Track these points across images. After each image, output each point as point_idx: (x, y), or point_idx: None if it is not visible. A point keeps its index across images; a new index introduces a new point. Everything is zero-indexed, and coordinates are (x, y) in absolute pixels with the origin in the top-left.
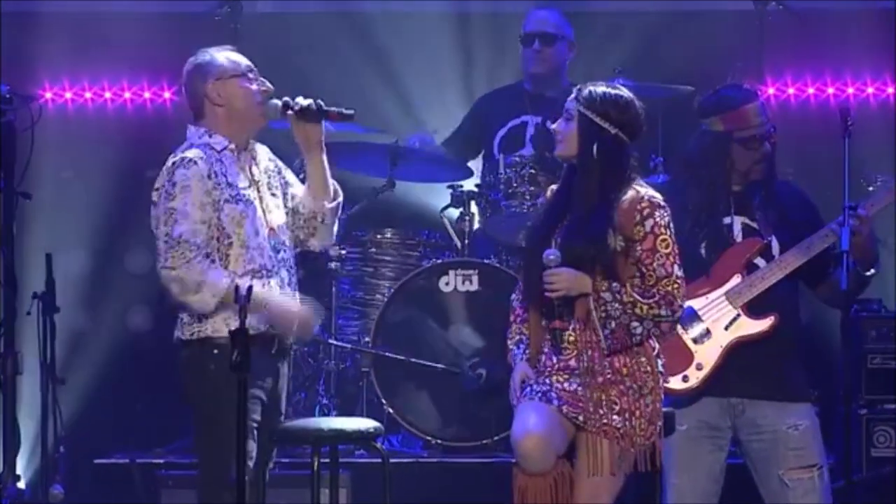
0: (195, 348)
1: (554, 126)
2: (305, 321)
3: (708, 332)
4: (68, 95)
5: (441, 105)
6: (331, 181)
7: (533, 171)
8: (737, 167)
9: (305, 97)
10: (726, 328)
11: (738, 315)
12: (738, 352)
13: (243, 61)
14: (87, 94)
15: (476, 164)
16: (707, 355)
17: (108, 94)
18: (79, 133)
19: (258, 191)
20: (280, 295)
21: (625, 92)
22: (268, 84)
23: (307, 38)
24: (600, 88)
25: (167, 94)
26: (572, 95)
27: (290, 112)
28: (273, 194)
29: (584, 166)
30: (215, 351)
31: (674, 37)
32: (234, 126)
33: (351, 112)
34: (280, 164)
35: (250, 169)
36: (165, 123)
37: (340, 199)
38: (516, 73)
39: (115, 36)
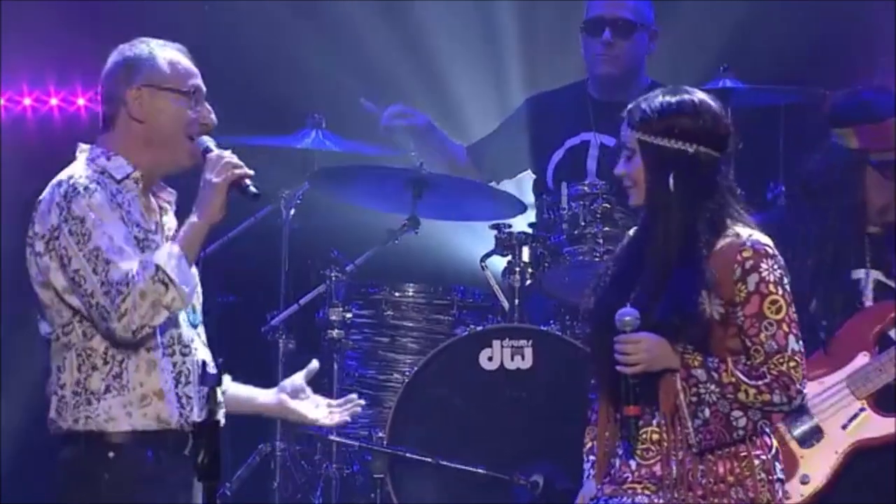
0: (80, 446)
1: (617, 170)
2: None
3: (819, 432)
4: None
5: (483, 112)
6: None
7: (608, 205)
8: (872, 200)
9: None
10: (845, 427)
11: (862, 409)
12: (860, 460)
13: (192, 75)
14: None
15: (529, 196)
16: (817, 464)
17: (0, 101)
18: None
19: (167, 241)
20: None
21: (688, 92)
22: (212, 116)
23: (297, 23)
24: (655, 100)
25: (81, 101)
26: (625, 122)
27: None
28: None
29: (660, 206)
30: (110, 454)
31: (797, 24)
32: (148, 153)
33: (257, 193)
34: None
35: (159, 213)
36: (80, 140)
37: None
38: (578, 68)
39: (12, 17)
